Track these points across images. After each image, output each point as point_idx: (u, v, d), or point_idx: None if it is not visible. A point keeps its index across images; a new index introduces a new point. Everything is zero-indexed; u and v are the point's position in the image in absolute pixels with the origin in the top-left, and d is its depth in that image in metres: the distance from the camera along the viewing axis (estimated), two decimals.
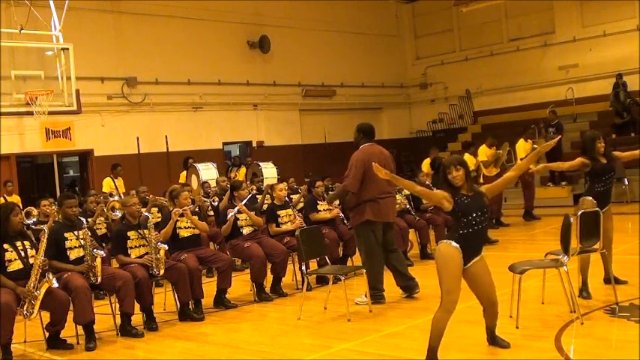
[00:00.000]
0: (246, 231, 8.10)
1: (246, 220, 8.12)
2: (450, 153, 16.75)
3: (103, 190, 12.71)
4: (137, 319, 6.77)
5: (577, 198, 14.76)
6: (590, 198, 6.68)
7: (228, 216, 8.04)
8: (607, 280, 6.79)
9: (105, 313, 7.08)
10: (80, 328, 6.35)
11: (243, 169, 15.43)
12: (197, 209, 8.55)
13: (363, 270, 7.09)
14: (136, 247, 7.07)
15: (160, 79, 16.44)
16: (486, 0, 19.08)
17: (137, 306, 6.71)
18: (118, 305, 6.59)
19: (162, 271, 6.91)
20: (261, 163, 13.93)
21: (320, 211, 9.06)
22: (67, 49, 11.55)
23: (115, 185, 12.82)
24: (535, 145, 12.55)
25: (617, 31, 18.30)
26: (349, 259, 9.06)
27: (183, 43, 16.87)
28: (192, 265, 7.12)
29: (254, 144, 18.60)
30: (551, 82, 19.40)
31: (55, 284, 6.04)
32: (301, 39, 19.41)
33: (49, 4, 11.84)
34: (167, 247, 7.12)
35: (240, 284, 8.49)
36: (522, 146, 13.05)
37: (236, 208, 8.06)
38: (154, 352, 6.19)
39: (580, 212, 6.11)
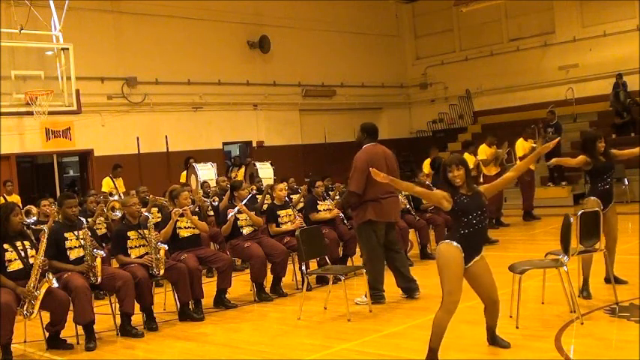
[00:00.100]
0: (246, 231, 8.10)
1: (246, 220, 8.12)
2: (450, 153, 16.70)
3: (103, 189, 12.71)
4: (137, 319, 6.77)
5: (577, 198, 14.86)
6: (594, 198, 6.68)
7: (229, 216, 8.04)
8: (607, 280, 6.78)
9: (105, 313, 7.08)
10: (80, 328, 6.35)
11: (243, 169, 15.44)
12: (197, 209, 8.56)
13: (363, 270, 7.10)
14: (136, 247, 7.07)
15: (160, 79, 16.44)
16: (486, 0, 19.06)
17: (137, 306, 6.71)
18: (118, 305, 6.59)
19: (162, 271, 6.91)
20: (257, 163, 13.91)
21: (320, 211, 9.06)
22: (67, 49, 11.54)
23: (115, 185, 12.82)
24: (534, 146, 12.56)
25: (617, 31, 18.29)
26: (349, 259, 9.07)
27: (183, 43, 16.87)
28: (192, 265, 7.12)
29: (254, 144, 18.59)
30: (551, 82, 19.38)
31: (55, 284, 6.04)
32: (301, 39, 19.40)
33: (49, 4, 11.83)
34: (167, 247, 7.13)
35: (240, 284, 8.49)
36: (521, 145, 13.03)
37: (236, 208, 8.07)
38: (153, 352, 6.19)
39: (580, 212, 6.11)
